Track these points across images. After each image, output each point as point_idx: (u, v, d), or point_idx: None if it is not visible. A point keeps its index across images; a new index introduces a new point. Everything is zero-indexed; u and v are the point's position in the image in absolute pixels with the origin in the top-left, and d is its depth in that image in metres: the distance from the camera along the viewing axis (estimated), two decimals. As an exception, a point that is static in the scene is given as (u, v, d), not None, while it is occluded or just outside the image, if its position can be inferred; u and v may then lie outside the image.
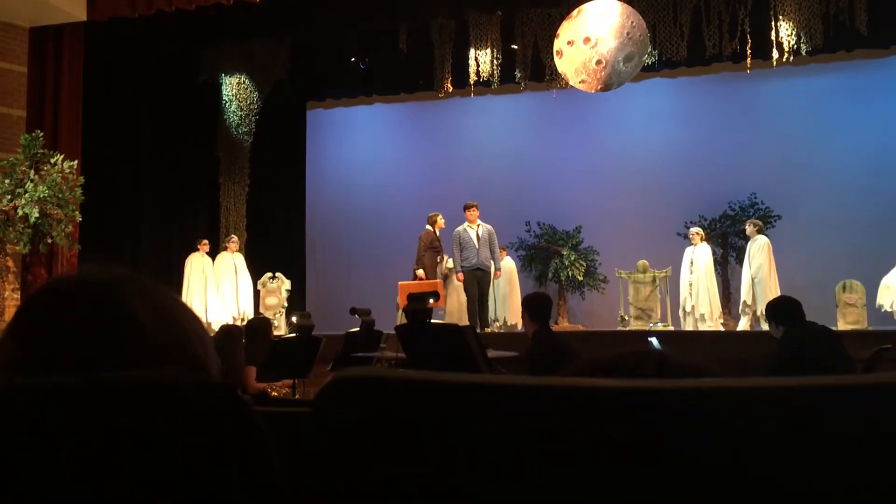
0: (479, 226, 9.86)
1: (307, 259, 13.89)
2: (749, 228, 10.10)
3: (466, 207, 10.00)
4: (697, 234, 10.53)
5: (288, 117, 13.50)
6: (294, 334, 6.66)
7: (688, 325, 10.26)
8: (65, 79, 10.16)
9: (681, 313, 10.50)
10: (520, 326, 10.96)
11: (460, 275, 9.89)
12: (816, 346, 4.66)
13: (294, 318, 9.89)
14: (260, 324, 6.24)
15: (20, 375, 0.77)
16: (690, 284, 10.33)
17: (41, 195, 8.57)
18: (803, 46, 10.58)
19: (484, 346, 4.83)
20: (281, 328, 11.01)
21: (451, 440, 0.55)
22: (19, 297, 9.20)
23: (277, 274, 11.73)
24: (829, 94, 11.90)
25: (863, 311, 9.40)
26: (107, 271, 0.87)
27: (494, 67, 11.64)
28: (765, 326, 7.87)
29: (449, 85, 11.97)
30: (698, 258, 10.34)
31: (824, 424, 0.52)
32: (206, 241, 11.33)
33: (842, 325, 9.23)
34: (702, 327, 10.08)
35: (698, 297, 10.22)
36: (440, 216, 10.26)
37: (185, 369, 0.82)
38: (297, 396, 6.01)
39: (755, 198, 11.55)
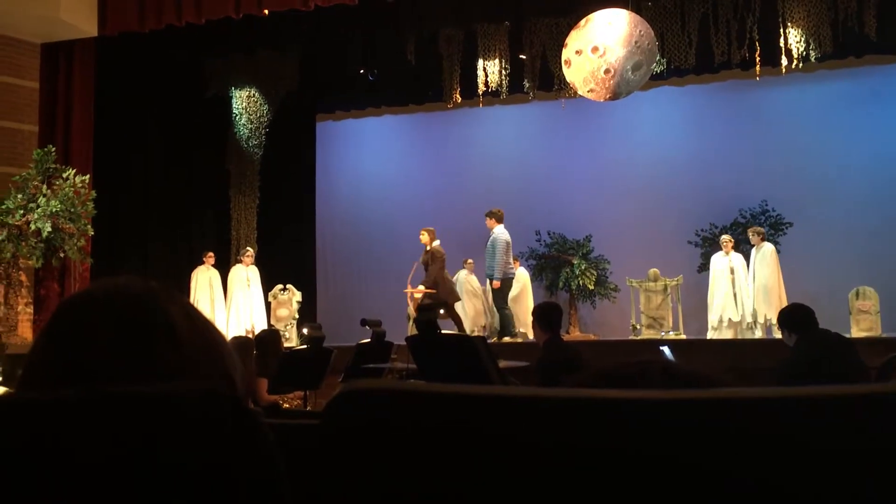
0: (491, 234, 9.92)
1: (318, 271, 13.91)
2: (753, 237, 9.97)
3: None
4: (730, 241, 10.36)
5: (297, 129, 13.55)
6: (305, 346, 6.67)
7: (727, 336, 10.04)
8: (76, 94, 10.23)
9: (717, 323, 10.23)
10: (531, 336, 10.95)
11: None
12: (829, 353, 4.63)
13: (305, 330, 9.92)
14: (269, 336, 6.26)
15: (57, 385, 0.77)
16: (735, 294, 10.09)
17: (53, 210, 8.62)
18: (812, 53, 10.55)
19: (495, 357, 4.82)
20: (292, 340, 11.03)
21: (459, 452, 0.55)
22: (32, 311, 9.25)
23: (288, 286, 11.76)
24: (839, 101, 11.86)
25: (876, 317, 9.34)
26: (142, 281, 0.88)
27: (503, 77, 11.67)
28: (777, 334, 7.83)
29: (457, 95, 12.00)
30: (737, 266, 10.17)
31: (837, 434, 0.52)
32: (211, 254, 11.38)
33: (855, 333, 9.16)
34: (756, 336, 9.86)
35: (743, 306, 10.01)
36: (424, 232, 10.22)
37: (220, 382, 0.83)
38: (308, 408, 6.02)
39: (766, 205, 11.50)
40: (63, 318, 0.84)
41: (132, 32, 9.83)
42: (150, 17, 9.60)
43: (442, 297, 9.68)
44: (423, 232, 10.09)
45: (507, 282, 9.98)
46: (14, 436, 0.65)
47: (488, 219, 10.05)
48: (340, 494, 0.58)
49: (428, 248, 9.92)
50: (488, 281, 10.85)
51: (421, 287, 9.90)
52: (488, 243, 9.91)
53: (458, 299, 10.27)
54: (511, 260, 10.11)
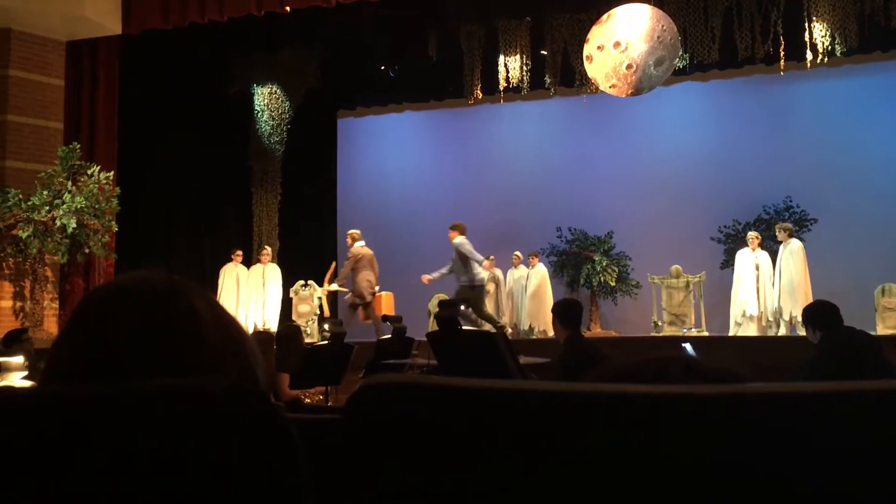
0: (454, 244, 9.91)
1: (339, 266, 13.95)
2: (780, 234, 9.86)
3: None
4: (756, 238, 10.24)
5: (319, 126, 13.60)
6: (326, 342, 6.70)
7: (750, 332, 9.95)
8: (100, 91, 10.34)
9: (742, 319, 10.11)
10: (549, 333, 10.93)
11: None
12: (855, 351, 4.58)
13: (326, 326, 9.96)
14: (290, 331, 6.28)
15: (81, 377, 0.78)
16: (759, 290, 9.98)
17: (78, 206, 8.72)
18: (838, 47, 10.42)
19: (516, 353, 4.82)
20: (313, 335, 11.08)
21: (480, 446, 0.55)
22: (57, 306, 9.36)
23: (310, 282, 11.81)
24: (865, 95, 11.71)
25: (902, 314, 9.22)
26: (167, 275, 0.88)
27: (524, 73, 11.64)
28: (801, 332, 7.75)
29: (478, 91, 11.99)
30: (763, 263, 10.06)
31: (862, 430, 0.52)
32: (239, 252, 11.46)
33: (881, 330, 9.06)
34: (780, 333, 9.75)
35: (765, 303, 9.91)
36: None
37: (244, 376, 0.83)
38: (329, 403, 6.04)
39: (790, 201, 11.38)
40: (88, 310, 0.84)
41: (156, 30, 9.91)
42: (174, 14, 9.67)
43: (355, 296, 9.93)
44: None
45: (480, 288, 9.90)
46: (39, 430, 0.66)
47: (451, 231, 10.01)
48: (362, 488, 0.58)
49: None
50: (502, 279, 11.02)
51: (333, 286, 10.04)
52: (454, 254, 9.83)
53: (367, 301, 10.32)
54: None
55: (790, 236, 9.81)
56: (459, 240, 9.66)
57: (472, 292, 9.59)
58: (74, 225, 8.68)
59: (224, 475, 0.64)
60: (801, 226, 11.13)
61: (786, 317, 9.55)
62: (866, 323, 7.68)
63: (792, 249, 9.67)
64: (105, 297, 0.85)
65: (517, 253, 11.74)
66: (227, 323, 0.87)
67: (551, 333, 10.72)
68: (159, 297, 0.84)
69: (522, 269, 11.62)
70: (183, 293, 0.85)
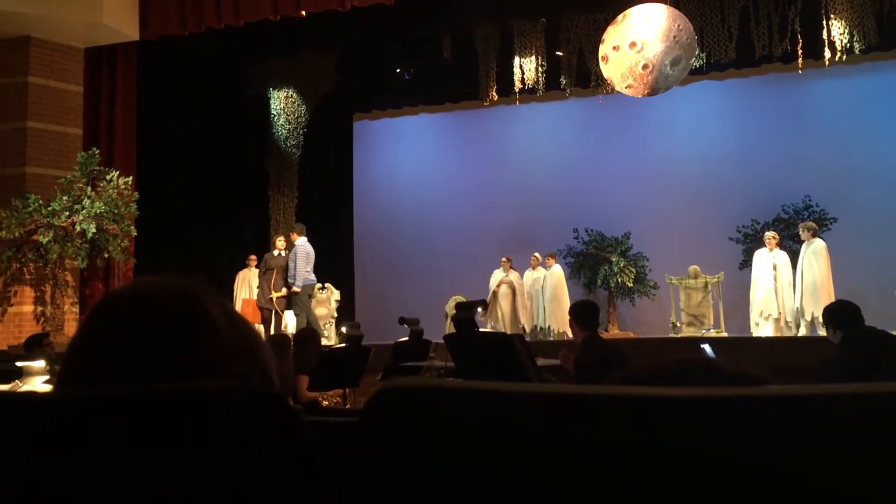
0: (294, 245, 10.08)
1: (356, 269, 14.00)
2: (804, 233, 9.77)
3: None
4: (774, 238, 10.15)
5: (335, 129, 13.65)
6: (344, 344, 6.71)
7: (769, 332, 9.86)
8: (119, 97, 10.42)
9: (759, 319, 10.05)
10: (569, 334, 10.91)
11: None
12: (876, 351, 4.54)
13: (344, 329, 9.99)
14: (308, 334, 6.30)
15: (98, 380, 0.78)
16: (776, 290, 9.89)
17: (98, 211, 8.79)
18: (856, 45, 10.34)
19: (533, 355, 4.80)
20: (331, 338, 11.11)
21: (499, 450, 0.55)
22: (78, 310, 9.44)
23: (327, 285, 11.85)
24: (884, 93, 11.60)
25: (924, 314, 9.12)
26: (182, 279, 0.89)
27: (539, 74, 11.63)
28: (822, 332, 7.69)
29: (494, 93, 11.99)
30: (780, 263, 9.97)
31: (883, 432, 0.51)
32: (253, 257, 11.55)
33: (902, 330, 8.95)
34: (800, 334, 9.66)
35: (783, 304, 9.83)
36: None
37: (259, 379, 0.84)
38: (347, 406, 6.06)
39: (809, 200, 11.30)
40: (104, 314, 0.85)
41: (173, 36, 9.98)
42: (191, 20, 9.74)
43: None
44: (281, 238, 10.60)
45: (307, 288, 10.00)
46: (60, 434, 0.67)
47: (291, 233, 10.25)
48: (380, 491, 0.58)
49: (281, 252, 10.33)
50: (500, 282, 11.19)
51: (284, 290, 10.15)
52: (291, 253, 10.01)
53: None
54: (311, 269, 10.07)
55: (814, 236, 9.72)
56: (307, 244, 10.02)
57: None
58: (94, 230, 8.76)
59: (242, 478, 0.64)
60: (820, 225, 11.04)
61: (808, 317, 9.46)
62: (887, 323, 7.58)
63: (815, 249, 9.57)
64: (121, 302, 0.85)
65: (536, 254, 11.73)
66: (242, 326, 0.87)
67: (570, 334, 10.76)
68: (175, 301, 0.84)
69: (540, 271, 11.61)
70: (197, 297, 0.85)
